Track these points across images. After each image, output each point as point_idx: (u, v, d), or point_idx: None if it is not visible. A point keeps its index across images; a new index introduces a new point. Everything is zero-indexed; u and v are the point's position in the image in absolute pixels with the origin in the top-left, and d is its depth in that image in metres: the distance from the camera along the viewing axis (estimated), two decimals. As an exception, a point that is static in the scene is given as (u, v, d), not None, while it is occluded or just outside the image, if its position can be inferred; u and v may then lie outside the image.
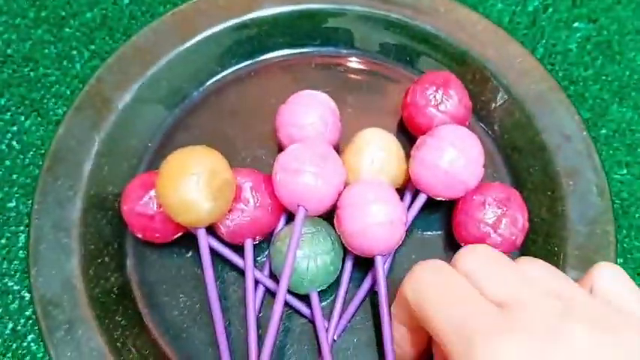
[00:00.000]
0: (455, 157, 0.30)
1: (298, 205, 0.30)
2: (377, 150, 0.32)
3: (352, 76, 0.38)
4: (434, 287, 0.22)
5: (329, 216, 0.32)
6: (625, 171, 0.36)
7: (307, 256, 0.29)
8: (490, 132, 0.36)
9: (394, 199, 0.30)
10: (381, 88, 0.38)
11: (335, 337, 0.31)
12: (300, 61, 0.38)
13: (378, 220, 0.29)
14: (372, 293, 0.32)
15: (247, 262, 0.31)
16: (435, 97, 0.33)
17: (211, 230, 0.31)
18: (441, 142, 0.31)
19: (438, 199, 0.32)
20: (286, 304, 0.31)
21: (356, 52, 0.39)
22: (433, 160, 0.30)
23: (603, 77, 0.38)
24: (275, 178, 0.30)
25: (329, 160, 0.30)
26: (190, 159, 0.28)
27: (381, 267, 0.30)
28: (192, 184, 0.28)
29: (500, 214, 0.30)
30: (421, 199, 0.32)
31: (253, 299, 0.30)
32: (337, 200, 0.30)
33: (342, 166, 0.31)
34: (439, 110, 0.33)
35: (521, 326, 0.19)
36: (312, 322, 0.31)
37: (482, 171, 0.31)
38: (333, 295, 0.32)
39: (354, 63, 0.39)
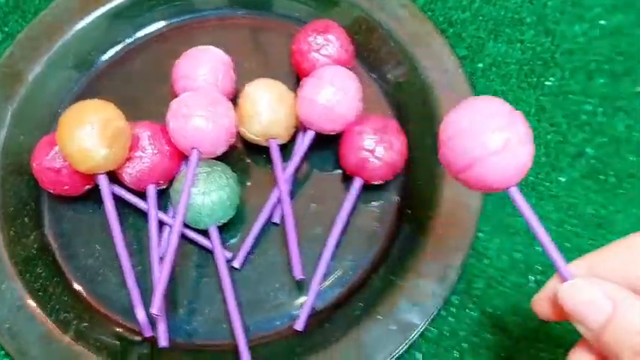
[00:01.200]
0: (332, 93, 0.33)
1: (192, 148, 0.32)
2: (267, 97, 0.34)
3: (248, 33, 0.41)
4: None
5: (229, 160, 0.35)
6: (501, 99, 0.39)
7: (202, 192, 0.32)
8: (376, 76, 0.39)
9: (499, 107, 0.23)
10: (275, 42, 0.40)
11: (238, 267, 0.33)
12: (197, 25, 0.41)
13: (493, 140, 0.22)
14: (271, 224, 0.35)
15: (150, 206, 0.33)
16: (316, 42, 0.36)
17: (117, 180, 0.34)
18: (320, 81, 0.34)
19: (325, 133, 0.35)
20: (192, 242, 0.34)
21: (249, 12, 0.42)
22: (313, 96, 0.33)
23: (480, 18, 0.41)
24: (169, 125, 0.33)
25: (218, 104, 0.33)
26: (85, 110, 0.31)
27: (521, 199, 0.24)
28: (87, 133, 0.30)
29: (378, 140, 0.33)
30: (309, 136, 0.35)
31: (156, 239, 0.32)
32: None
33: (233, 110, 0.34)
34: (321, 54, 0.36)
35: None
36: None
37: (360, 105, 0.34)
38: (240, 232, 0.35)
39: (248, 21, 0.41)
